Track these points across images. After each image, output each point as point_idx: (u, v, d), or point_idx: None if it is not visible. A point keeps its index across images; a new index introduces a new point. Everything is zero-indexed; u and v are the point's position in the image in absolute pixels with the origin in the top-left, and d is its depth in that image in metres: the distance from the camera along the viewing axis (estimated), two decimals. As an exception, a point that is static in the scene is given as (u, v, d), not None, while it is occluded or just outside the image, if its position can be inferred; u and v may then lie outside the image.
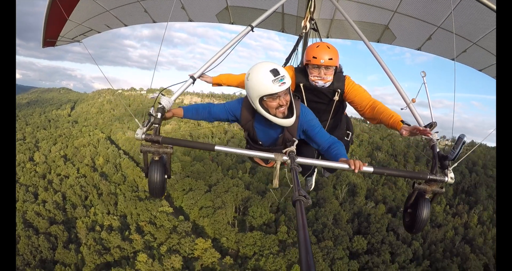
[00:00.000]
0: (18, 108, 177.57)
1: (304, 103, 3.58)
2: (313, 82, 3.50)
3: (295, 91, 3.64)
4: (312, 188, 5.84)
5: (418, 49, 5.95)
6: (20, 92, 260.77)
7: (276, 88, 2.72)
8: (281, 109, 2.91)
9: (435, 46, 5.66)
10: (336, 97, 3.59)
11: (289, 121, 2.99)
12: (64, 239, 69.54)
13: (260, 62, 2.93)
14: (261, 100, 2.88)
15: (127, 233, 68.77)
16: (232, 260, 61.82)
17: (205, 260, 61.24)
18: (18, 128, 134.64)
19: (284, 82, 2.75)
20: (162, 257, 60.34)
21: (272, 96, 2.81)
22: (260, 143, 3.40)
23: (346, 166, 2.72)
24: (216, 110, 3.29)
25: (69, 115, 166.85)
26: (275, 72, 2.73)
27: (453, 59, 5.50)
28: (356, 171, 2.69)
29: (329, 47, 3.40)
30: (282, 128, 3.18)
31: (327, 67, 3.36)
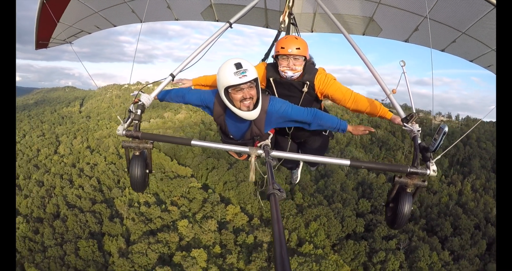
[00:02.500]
0: (27, 108, 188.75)
1: None
2: (283, 73, 3.66)
3: (267, 86, 3.87)
4: (297, 181, 6.20)
5: (405, 41, 5.93)
6: (23, 94, 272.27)
7: (236, 80, 2.91)
8: (246, 102, 3.07)
9: (423, 37, 5.60)
10: (305, 89, 3.73)
11: (250, 115, 3.13)
12: (108, 215, 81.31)
13: (231, 58, 3.07)
14: (227, 92, 3.06)
15: (163, 206, 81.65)
16: (259, 221, 75.65)
17: (236, 223, 74.67)
18: (35, 126, 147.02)
19: (246, 75, 2.92)
20: (199, 222, 73.76)
21: (235, 88, 2.99)
22: (231, 136, 3.60)
23: (320, 158, 3.08)
24: (191, 96, 3.53)
25: (80, 112, 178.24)
26: (238, 65, 2.93)
27: (442, 50, 5.64)
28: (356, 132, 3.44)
29: (296, 38, 3.62)
30: (250, 122, 3.35)
31: (295, 57, 3.54)
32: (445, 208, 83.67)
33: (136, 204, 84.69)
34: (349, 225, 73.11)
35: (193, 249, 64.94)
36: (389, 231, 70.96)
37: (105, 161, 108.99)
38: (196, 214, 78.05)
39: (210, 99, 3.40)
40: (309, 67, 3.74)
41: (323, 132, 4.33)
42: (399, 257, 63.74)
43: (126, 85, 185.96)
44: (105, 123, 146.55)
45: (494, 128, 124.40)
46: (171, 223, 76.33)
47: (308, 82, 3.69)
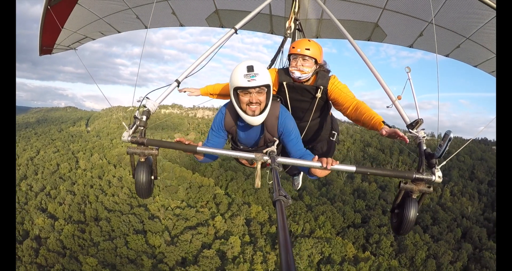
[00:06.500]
0: (30, 126, 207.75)
1: (287, 102, 4.00)
2: (291, 73, 3.81)
3: (279, 91, 4.01)
4: (299, 188, 6.46)
5: (410, 47, 6.25)
6: (19, 112, 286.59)
7: (244, 82, 3.03)
8: (252, 107, 3.18)
9: (427, 43, 5.91)
10: (319, 95, 3.83)
11: (254, 120, 3.26)
12: (147, 216, 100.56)
13: (247, 59, 3.21)
14: (236, 93, 3.19)
15: (195, 209, 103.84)
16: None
17: (259, 219, 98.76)
18: (46, 143, 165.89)
19: (254, 80, 3.02)
20: (229, 219, 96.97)
21: (243, 91, 3.11)
22: (241, 146, 3.74)
23: (319, 164, 2.96)
24: (213, 139, 3.60)
25: (88, 131, 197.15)
26: (249, 68, 3.05)
27: (447, 56, 5.94)
28: (326, 166, 2.92)
29: (309, 41, 3.81)
30: (263, 129, 3.50)
31: (304, 58, 3.73)
32: (426, 207, 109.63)
33: (169, 208, 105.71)
34: (349, 218, 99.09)
35: (230, 236, 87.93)
36: (380, 220, 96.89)
37: (129, 174, 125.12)
38: (225, 213, 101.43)
39: (220, 117, 3.55)
40: (322, 73, 3.88)
41: (331, 138, 4.59)
42: (390, 238, 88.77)
43: (131, 108, 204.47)
44: (119, 142, 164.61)
45: (473, 144, 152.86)
46: (204, 221, 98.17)
47: (322, 87, 3.81)
